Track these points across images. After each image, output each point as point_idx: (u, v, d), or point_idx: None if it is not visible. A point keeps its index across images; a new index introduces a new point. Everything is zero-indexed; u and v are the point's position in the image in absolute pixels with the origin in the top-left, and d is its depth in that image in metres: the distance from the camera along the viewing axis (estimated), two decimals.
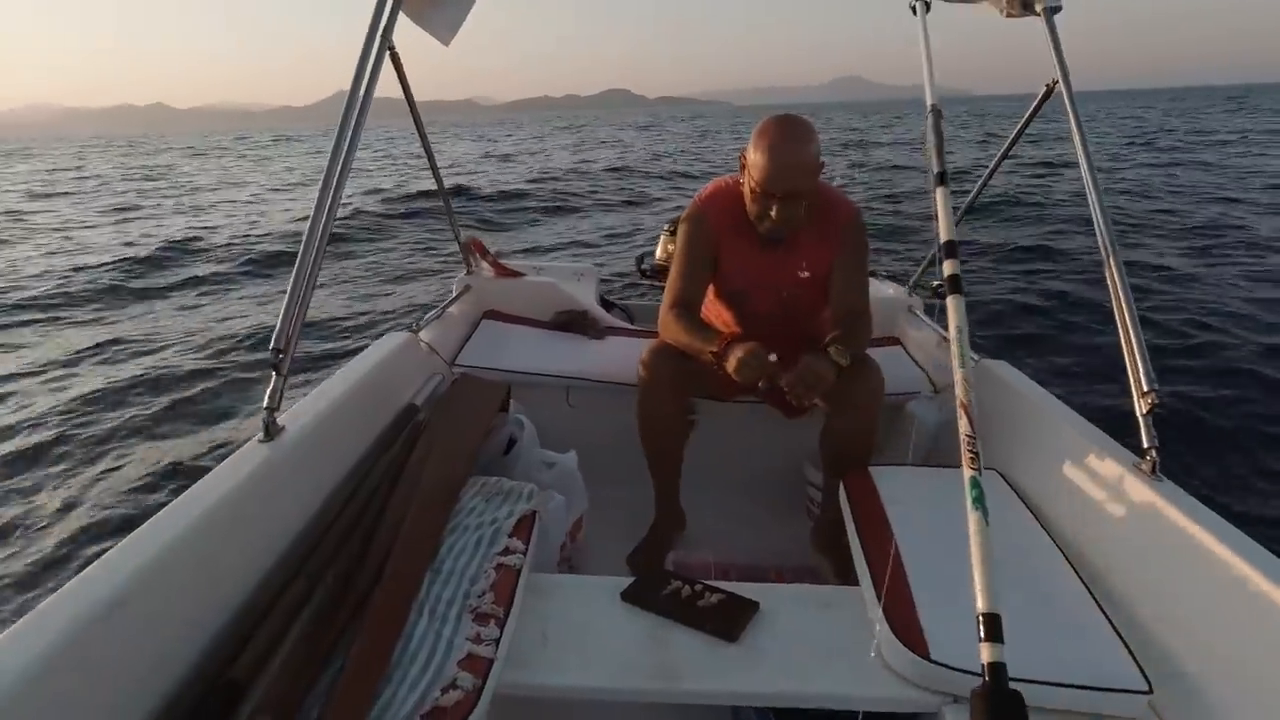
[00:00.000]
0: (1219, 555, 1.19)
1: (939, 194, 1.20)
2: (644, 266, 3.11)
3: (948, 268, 1.09)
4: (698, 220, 1.92)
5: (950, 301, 1.06)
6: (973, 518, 0.77)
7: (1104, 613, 1.27)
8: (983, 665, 0.61)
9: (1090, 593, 1.32)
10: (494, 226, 11.24)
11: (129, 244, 10.52)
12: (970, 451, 0.86)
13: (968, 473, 0.82)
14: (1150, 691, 1.11)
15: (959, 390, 0.95)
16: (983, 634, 0.64)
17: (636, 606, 1.34)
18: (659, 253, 3.05)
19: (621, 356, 2.30)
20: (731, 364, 1.67)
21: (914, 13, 1.76)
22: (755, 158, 1.75)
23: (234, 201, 16.32)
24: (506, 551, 1.38)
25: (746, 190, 1.81)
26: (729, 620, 1.29)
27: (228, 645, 1.08)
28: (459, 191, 14.28)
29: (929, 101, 1.39)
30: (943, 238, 1.12)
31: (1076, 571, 1.38)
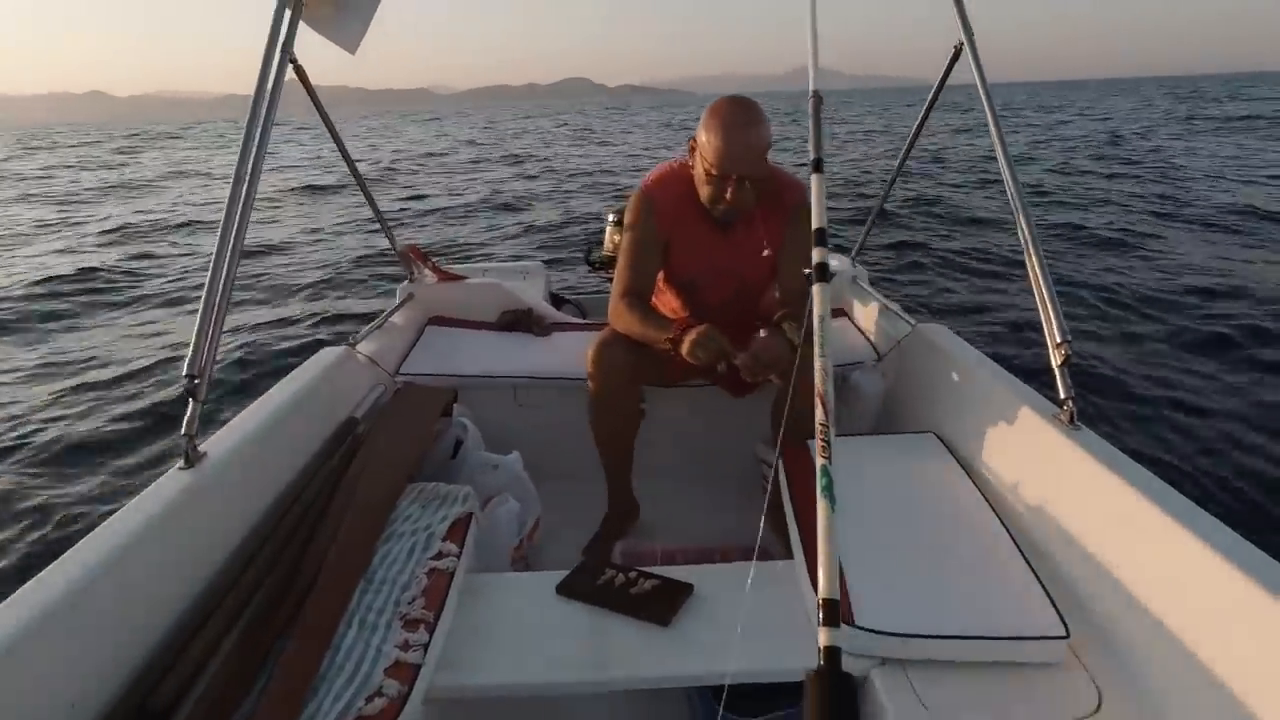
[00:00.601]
0: (1133, 499, 1.21)
1: (814, 181, 1.21)
2: (592, 259, 3.11)
3: (816, 255, 1.11)
4: (645, 207, 1.90)
5: (816, 289, 1.08)
6: (821, 505, 0.79)
7: (1027, 562, 1.29)
8: (819, 648, 0.64)
9: (1016, 544, 1.34)
10: (444, 224, 10.98)
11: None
12: (823, 440, 0.88)
13: (819, 461, 0.85)
14: (1067, 636, 1.13)
15: (816, 380, 0.97)
16: (822, 619, 0.67)
17: (572, 599, 1.35)
18: (606, 243, 3.05)
19: (568, 352, 2.30)
20: (687, 348, 1.67)
21: None
22: (709, 140, 1.75)
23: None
24: (439, 555, 1.38)
25: (699, 173, 1.80)
26: (662, 605, 1.30)
27: (149, 675, 1.08)
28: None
29: (811, 87, 1.39)
30: (814, 224, 1.13)
31: (1005, 525, 1.40)
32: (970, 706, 1.08)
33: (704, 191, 1.81)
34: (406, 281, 2.66)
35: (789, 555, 1.85)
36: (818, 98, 1.36)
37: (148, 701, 1.03)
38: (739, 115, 1.74)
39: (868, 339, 2.37)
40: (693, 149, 1.82)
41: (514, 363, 2.32)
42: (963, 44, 1.80)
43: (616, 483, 2.06)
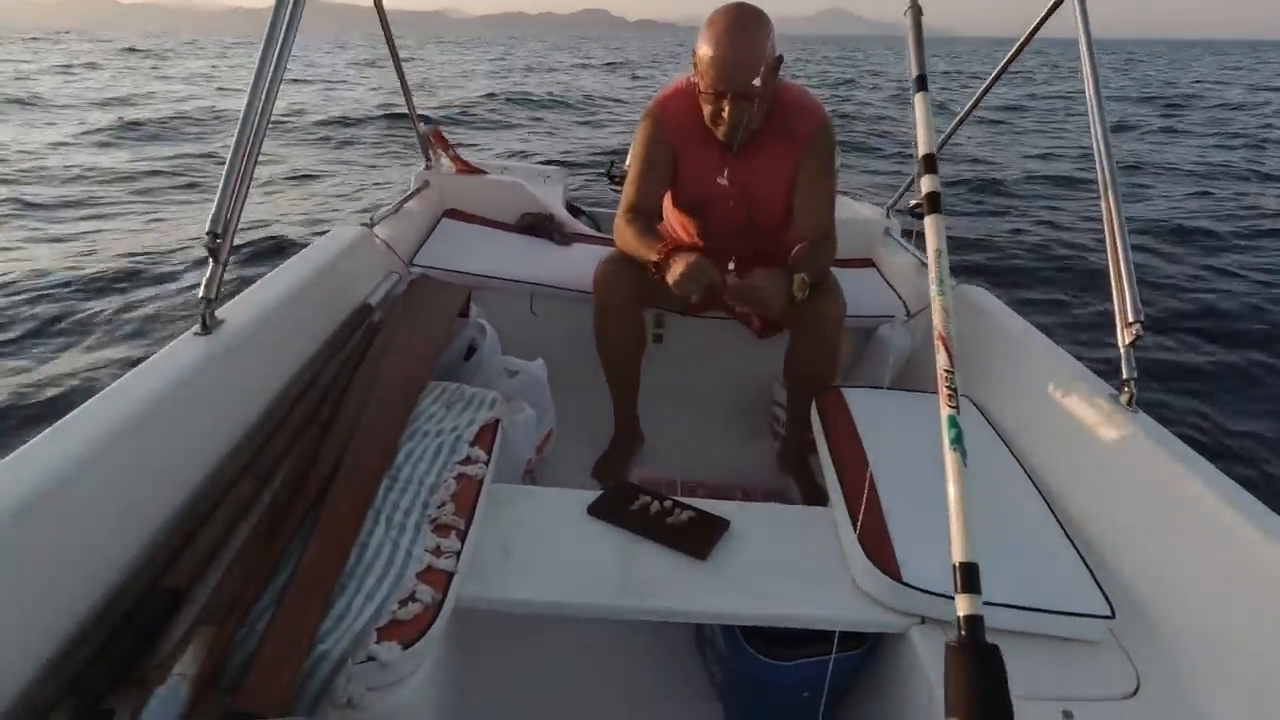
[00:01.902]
0: (1188, 488, 1.19)
1: (919, 100, 1.08)
2: (614, 173, 2.96)
3: (925, 184, 0.98)
4: (654, 123, 1.78)
5: (929, 221, 0.96)
6: (950, 459, 0.71)
7: (1070, 540, 1.27)
8: (958, 618, 0.57)
9: (1058, 521, 1.32)
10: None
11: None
12: (949, 388, 0.78)
13: (945, 411, 0.76)
14: (1112, 616, 1.12)
15: (937, 321, 0.87)
16: (959, 585, 0.60)
17: (603, 521, 1.29)
18: (629, 160, 2.91)
19: (587, 264, 2.19)
20: (674, 278, 1.57)
21: None
22: (702, 53, 1.60)
23: None
24: (468, 461, 1.30)
25: (700, 91, 1.66)
26: (699, 538, 1.25)
27: (164, 551, 1.00)
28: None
29: None
30: (921, 150, 1.01)
31: (1046, 500, 1.38)
32: (1011, 677, 1.07)
33: (705, 111, 1.68)
34: (424, 167, 2.50)
35: (806, 502, 1.84)
36: (916, 8, 1.23)
37: (164, 578, 0.96)
38: (734, 25, 1.57)
39: (897, 294, 2.31)
40: (695, 65, 1.67)
41: (532, 268, 2.21)
42: None
43: (621, 407, 2.01)
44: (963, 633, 0.59)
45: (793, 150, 1.75)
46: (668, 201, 1.94)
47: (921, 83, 1.10)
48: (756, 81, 1.59)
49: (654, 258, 1.64)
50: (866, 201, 2.82)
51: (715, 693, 1.41)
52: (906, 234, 2.62)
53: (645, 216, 1.81)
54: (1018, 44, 2.00)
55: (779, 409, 2.16)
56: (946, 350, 0.84)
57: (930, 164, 1.02)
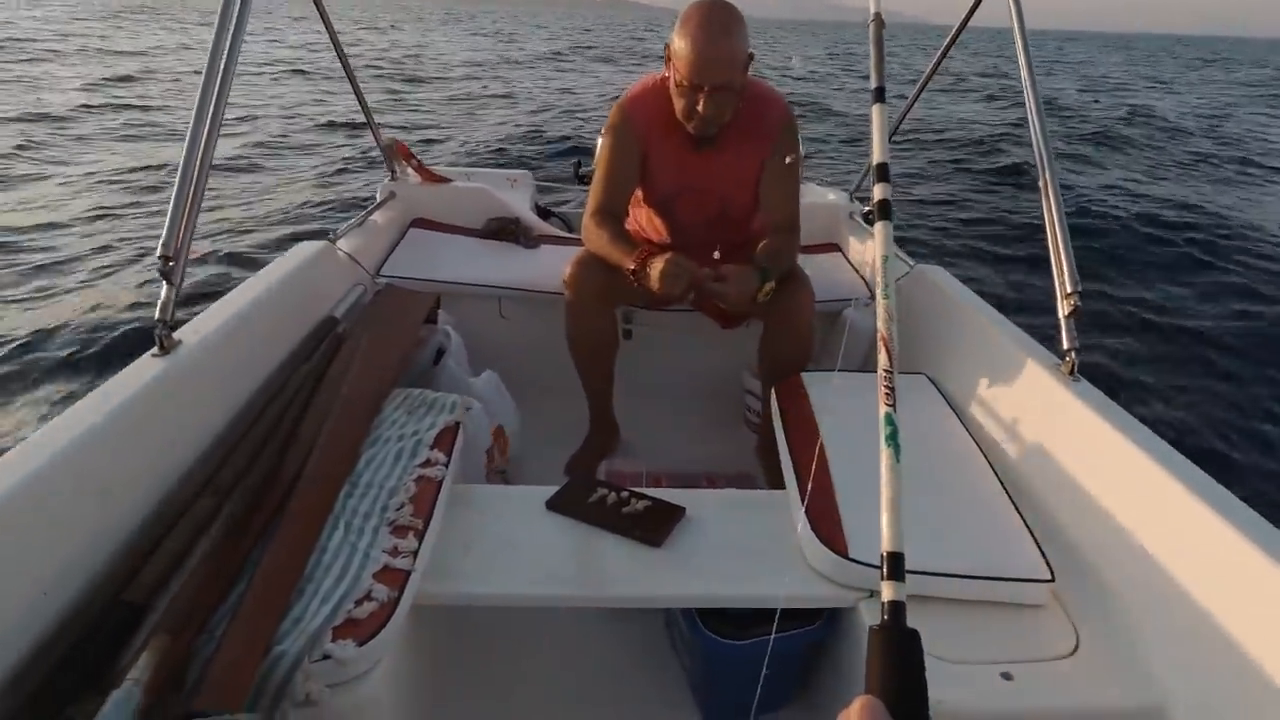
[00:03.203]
0: (1128, 453, 1.22)
1: (875, 111, 1.11)
2: (581, 172, 3.00)
3: (878, 191, 1.02)
4: (623, 122, 1.81)
5: (878, 227, 1.00)
6: (885, 455, 0.75)
7: (1015, 507, 1.30)
8: (883, 604, 0.62)
9: (1004, 488, 1.35)
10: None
11: None
12: (886, 387, 0.83)
13: (882, 409, 0.80)
14: (1052, 580, 1.16)
15: (880, 323, 0.91)
16: (885, 572, 0.64)
17: (562, 515, 1.33)
18: (596, 158, 2.94)
19: (556, 266, 2.22)
20: (654, 278, 1.60)
21: None
22: (679, 47, 1.63)
23: None
24: (427, 464, 1.34)
25: (672, 84, 1.69)
26: (654, 526, 1.29)
27: (125, 566, 1.03)
28: None
29: (872, 9, 1.30)
30: (875, 159, 1.05)
31: (994, 468, 1.41)
32: (952, 642, 1.10)
33: (678, 105, 1.70)
34: (388, 179, 2.53)
35: (775, 485, 1.87)
36: (879, 21, 1.27)
37: (124, 594, 0.99)
38: (713, 20, 1.61)
39: (861, 277, 2.34)
40: (668, 60, 1.70)
41: (500, 273, 2.24)
42: None
43: (596, 403, 2.04)
44: (885, 617, 0.63)
45: (760, 143, 1.78)
46: (637, 199, 1.97)
47: (880, 94, 1.14)
48: (734, 75, 1.63)
49: (630, 264, 1.66)
50: (830, 187, 2.85)
51: (685, 679, 1.45)
52: (868, 217, 2.65)
53: (614, 218, 1.83)
54: (949, 37, 2.04)
55: (751, 397, 2.20)
56: (887, 351, 0.88)
57: (883, 172, 1.06)
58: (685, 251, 1.67)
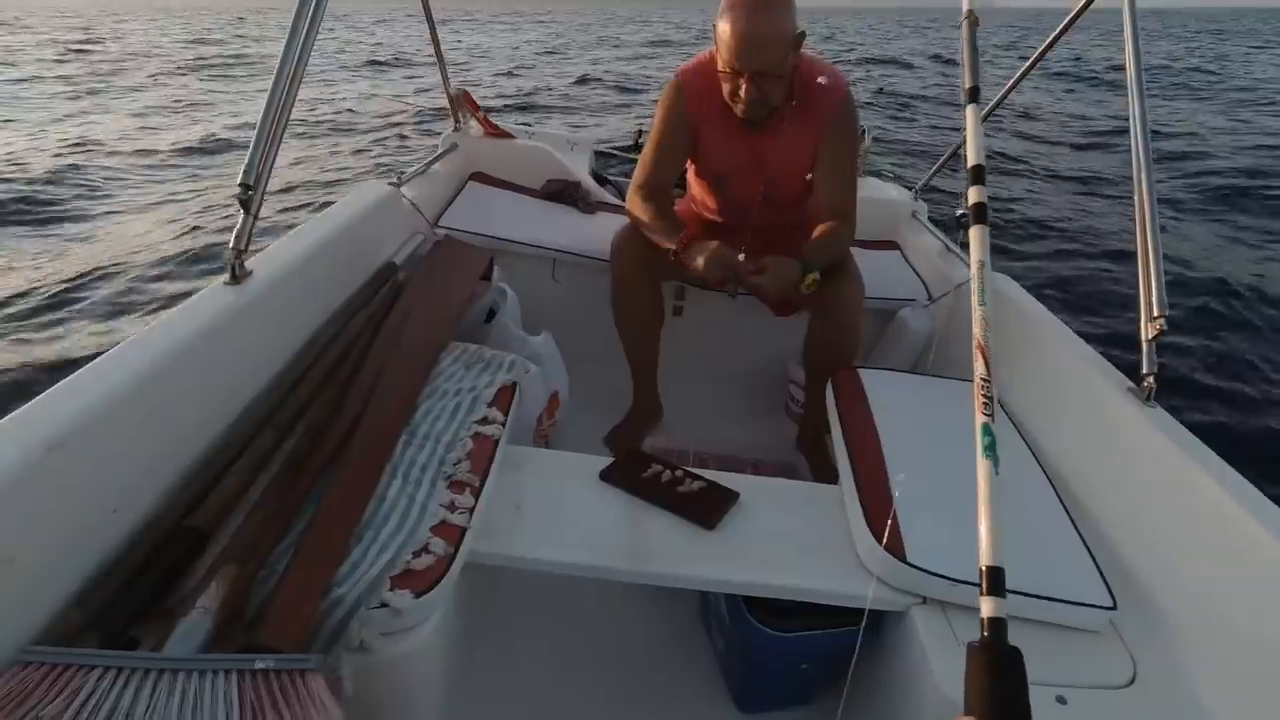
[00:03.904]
0: (1201, 484, 1.19)
1: (969, 112, 1.08)
2: (641, 141, 2.95)
3: (973, 195, 0.99)
4: (675, 98, 1.75)
5: (974, 232, 0.97)
6: (982, 466, 0.73)
7: (1078, 530, 1.27)
8: (981, 620, 0.59)
9: (1067, 510, 1.32)
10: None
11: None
12: (984, 396, 0.81)
13: (980, 419, 0.78)
14: (1114, 608, 1.13)
15: (976, 330, 0.89)
16: (985, 588, 0.62)
17: (615, 486, 1.32)
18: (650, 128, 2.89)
19: (611, 233, 2.20)
20: (700, 266, 1.58)
21: None
22: (721, 30, 1.56)
23: None
24: (485, 421, 1.33)
25: (720, 68, 1.62)
26: (708, 507, 1.27)
27: (189, 492, 1.03)
28: None
29: (965, 6, 1.24)
30: (970, 161, 1.01)
31: (1055, 489, 1.38)
32: None
33: (724, 88, 1.64)
34: (452, 129, 2.50)
35: (822, 478, 1.85)
36: (972, 18, 1.22)
37: (188, 519, 0.99)
38: (755, 2, 1.53)
39: (920, 277, 2.29)
40: (717, 42, 1.62)
41: (556, 234, 2.22)
42: None
43: (641, 378, 2.02)
44: (985, 634, 0.61)
45: (814, 128, 1.71)
46: (691, 173, 1.93)
47: (974, 94, 1.10)
48: (776, 61, 1.56)
49: (672, 246, 1.64)
50: (893, 183, 2.79)
51: (717, 663, 1.44)
52: (933, 219, 2.59)
53: (659, 194, 1.79)
54: (1055, 32, 1.96)
55: (795, 388, 2.17)
56: (984, 359, 0.85)
57: (978, 175, 1.02)
58: (734, 232, 1.62)
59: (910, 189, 2.67)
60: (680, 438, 2.01)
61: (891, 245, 2.51)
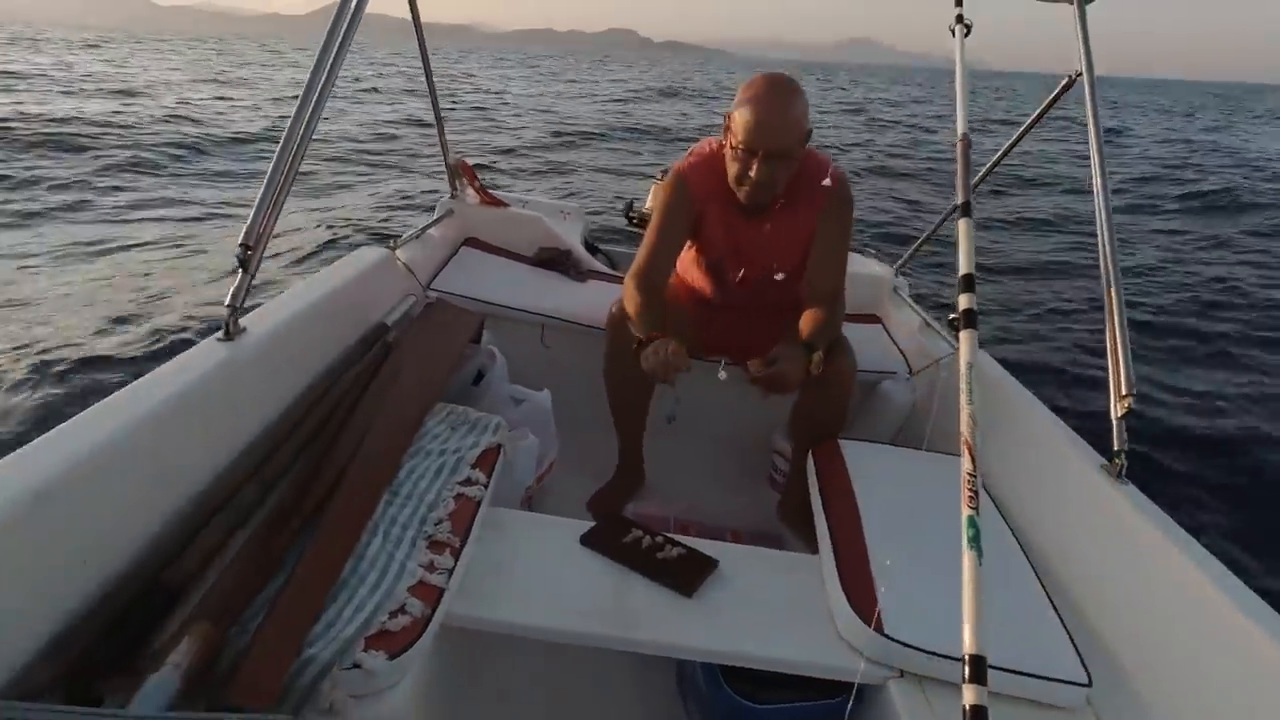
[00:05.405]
0: (1173, 561, 1.21)
1: (962, 225, 1.17)
2: (631, 214, 3.04)
3: (963, 301, 1.08)
4: (678, 186, 1.82)
5: (964, 336, 1.05)
6: (967, 556, 0.76)
7: (1054, 606, 1.28)
8: (964, 707, 0.61)
9: (1043, 586, 1.33)
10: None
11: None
12: (970, 491, 0.85)
13: (965, 511, 0.82)
14: (1089, 684, 1.13)
15: (964, 428, 0.95)
16: (968, 675, 0.64)
17: (595, 551, 1.32)
18: (648, 201, 2.98)
19: (601, 300, 2.24)
20: (643, 362, 1.63)
21: (953, 34, 1.64)
22: (740, 114, 1.65)
23: None
24: (468, 482, 1.34)
25: (728, 150, 1.71)
26: (687, 574, 1.28)
27: (168, 547, 1.03)
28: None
29: (960, 129, 1.33)
30: (961, 270, 1.10)
31: (1031, 564, 1.39)
32: None
33: (731, 170, 1.72)
34: (449, 196, 2.58)
35: (803, 548, 1.85)
36: (966, 141, 1.30)
37: (163, 575, 0.99)
38: (776, 89, 1.64)
39: (901, 351, 2.35)
40: (727, 127, 1.72)
41: (546, 300, 2.26)
42: (1079, 75, 1.74)
43: (627, 444, 2.03)
44: None
45: (810, 213, 1.80)
46: (688, 253, 1.99)
47: (966, 209, 1.18)
48: (789, 146, 1.65)
49: (640, 338, 1.69)
50: (874, 259, 2.87)
51: None
52: (912, 292, 2.67)
53: (652, 284, 1.84)
54: (1027, 122, 2.07)
55: (779, 458, 2.18)
56: (970, 455, 0.90)
57: (969, 283, 1.10)
58: (728, 311, 1.69)
59: (890, 263, 2.76)
60: (662, 504, 2.01)
61: (873, 319, 2.57)
